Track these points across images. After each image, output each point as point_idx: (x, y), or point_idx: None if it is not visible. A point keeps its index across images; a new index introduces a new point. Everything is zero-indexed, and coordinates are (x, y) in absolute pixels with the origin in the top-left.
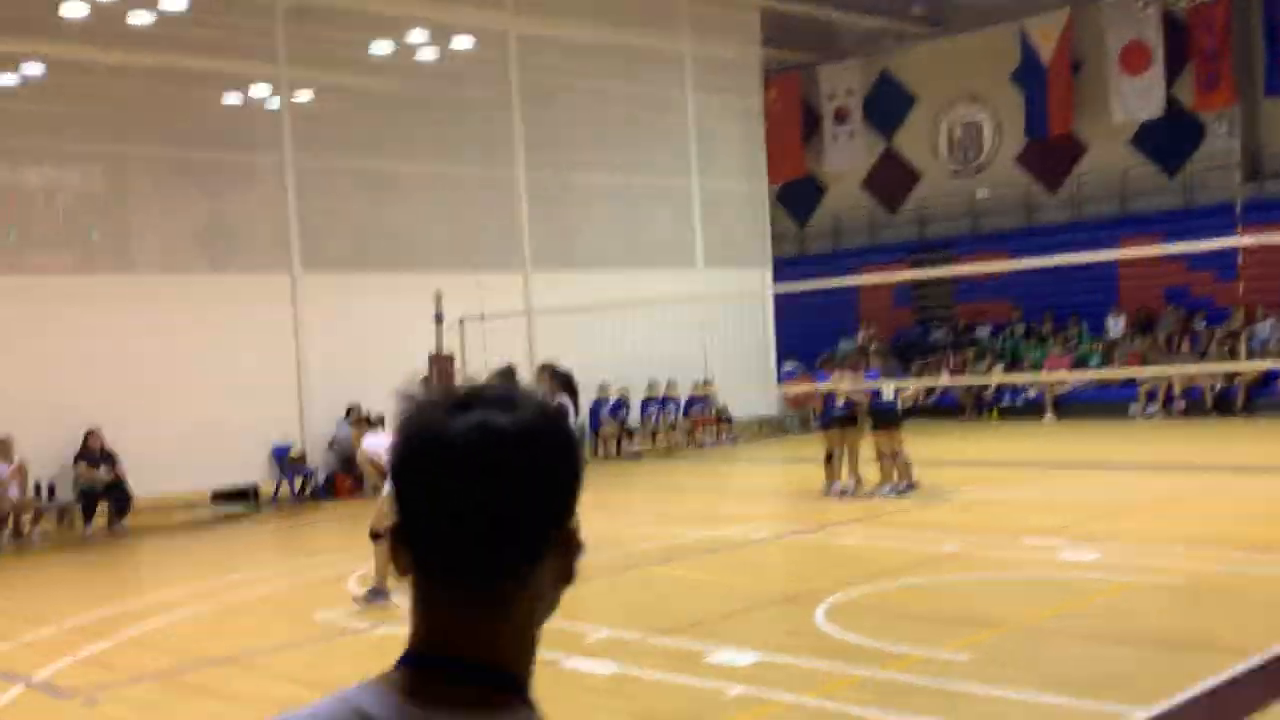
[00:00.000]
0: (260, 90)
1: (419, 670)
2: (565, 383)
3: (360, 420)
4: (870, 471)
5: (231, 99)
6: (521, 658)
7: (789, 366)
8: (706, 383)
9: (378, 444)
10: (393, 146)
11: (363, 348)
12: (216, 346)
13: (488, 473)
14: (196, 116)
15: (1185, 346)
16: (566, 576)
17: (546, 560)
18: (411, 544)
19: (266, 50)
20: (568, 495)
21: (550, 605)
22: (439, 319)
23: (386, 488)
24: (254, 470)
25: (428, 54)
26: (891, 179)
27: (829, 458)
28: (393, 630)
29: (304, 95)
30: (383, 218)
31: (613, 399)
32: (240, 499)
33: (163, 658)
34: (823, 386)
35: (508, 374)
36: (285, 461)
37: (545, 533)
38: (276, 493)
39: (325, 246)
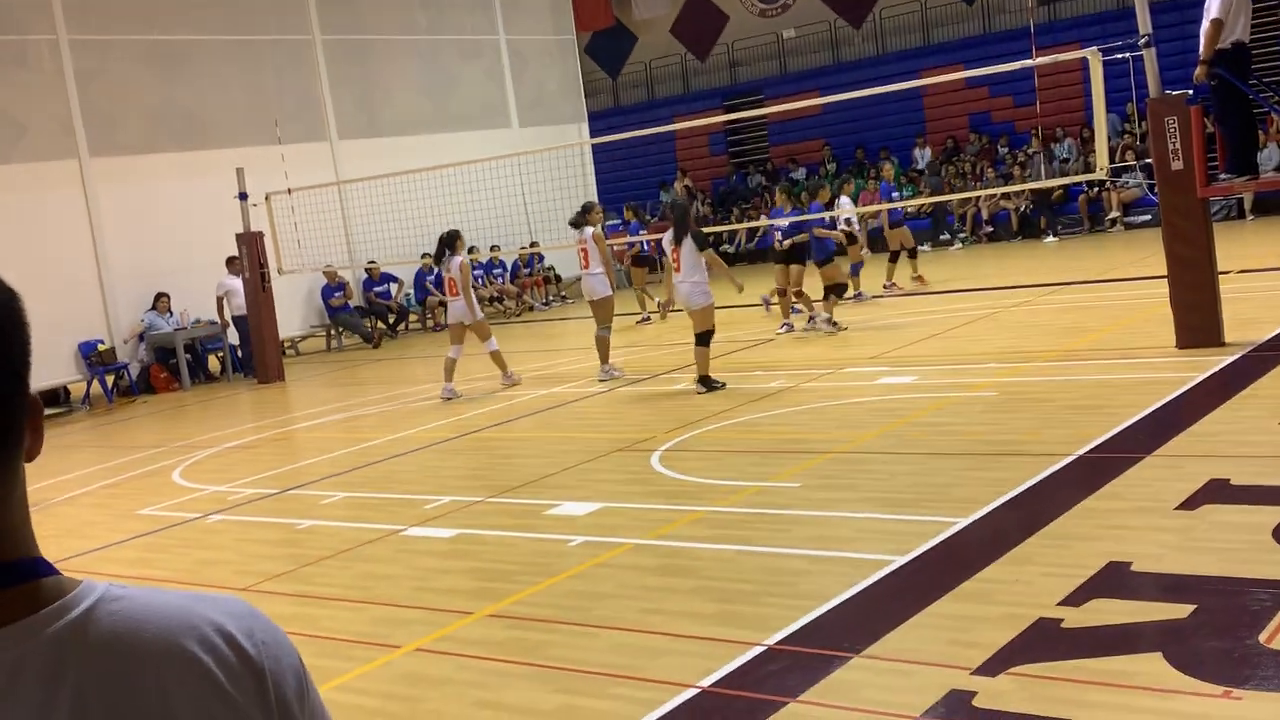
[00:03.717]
0: None
1: None
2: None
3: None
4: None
5: None
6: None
7: (611, 221)
8: (532, 244)
9: None
10: (177, 17)
11: (166, 232)
12: (6, 242)
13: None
14: None
15: (990, 172)
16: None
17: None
18: None
19: None
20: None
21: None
22: (243, 196)
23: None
24: (60, 371)
25: None
26: (699, 23)
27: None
28: (223, 518)
29: None
30: (174, 94)
31: (435, 268)
32: (49, 403)
33: None
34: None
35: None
36: (93, 358)
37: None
38: (88, 392)
39: (114, 128)
